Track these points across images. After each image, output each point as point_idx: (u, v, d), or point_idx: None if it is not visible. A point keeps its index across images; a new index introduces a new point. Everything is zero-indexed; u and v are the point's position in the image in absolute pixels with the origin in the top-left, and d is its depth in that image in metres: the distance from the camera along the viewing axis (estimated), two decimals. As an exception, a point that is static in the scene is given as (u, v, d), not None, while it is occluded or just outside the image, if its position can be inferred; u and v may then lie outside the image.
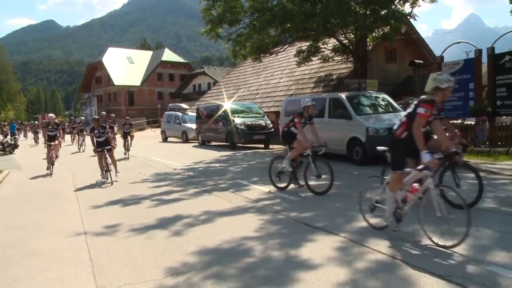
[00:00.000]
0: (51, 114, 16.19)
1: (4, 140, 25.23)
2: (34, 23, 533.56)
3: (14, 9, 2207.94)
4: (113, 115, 26.30)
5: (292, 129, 9.39)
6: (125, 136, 19.05)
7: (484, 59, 15.32)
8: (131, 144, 19.12)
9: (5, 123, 45.54)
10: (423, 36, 27.96)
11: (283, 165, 9.30)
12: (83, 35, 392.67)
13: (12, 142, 24.97)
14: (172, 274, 4.72)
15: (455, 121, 14.86)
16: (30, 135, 42.10)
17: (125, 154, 18.08)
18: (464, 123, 15.25)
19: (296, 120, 9.21)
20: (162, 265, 5.00)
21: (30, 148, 29.01)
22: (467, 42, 19.66)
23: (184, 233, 6.35)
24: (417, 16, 17.73)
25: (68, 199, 9.55)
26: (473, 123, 14.89)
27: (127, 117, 21.13)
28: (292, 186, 9.40)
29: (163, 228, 6.67)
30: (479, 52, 15.22)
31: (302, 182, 9.16)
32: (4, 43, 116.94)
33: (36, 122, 47.79)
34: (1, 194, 10.72)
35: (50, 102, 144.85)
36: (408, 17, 17.88)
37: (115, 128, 22.47)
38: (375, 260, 4.81)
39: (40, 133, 33.07)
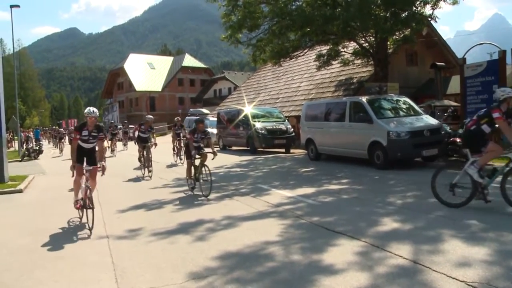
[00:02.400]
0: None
1: (29, 146, 25.74)
2: (58, 31, 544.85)
3: (38, 18, 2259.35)
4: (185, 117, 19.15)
5: (484, 127, 7.11)
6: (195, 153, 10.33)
7: (509, 60, 15.04)
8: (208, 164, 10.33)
9: (31, 129, 46.43)
10: (445, 38, 27.62)
11: (469, 175, 7.13)
12: (105, 42, 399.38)
13: (37, 148, 25.46)
14: (193, 278, 4.75)
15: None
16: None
17: (204, 199, 9.64)
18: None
19: (496, 115, 6.85)
20: (183, 269, 5.04)
21: (56, 160, 24.13)
22: (490, 43, 19.36)
23: (205, 238, 6.39)
24: (438, 18, 17.53)
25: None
26: (497, 125, 14.62)
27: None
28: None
29: (185, 232, 6.72)
30: (503, 53, 14.94)
31: (489, 197, 7.07)
32: (29, 51, 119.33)
33: (72, 127, 37.08)
34: (26, 199, 10.93)
35: (73, 108, 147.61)
36: (429, 19, 17.72)
37: (152, 139, 14.93)
38: (396, 265, 4.76)
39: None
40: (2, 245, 6.53)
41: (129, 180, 13.45)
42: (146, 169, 14.06)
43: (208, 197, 9.58)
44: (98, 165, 7.62)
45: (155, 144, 14.62)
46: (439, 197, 7.56)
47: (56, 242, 6.57)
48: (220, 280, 4.66)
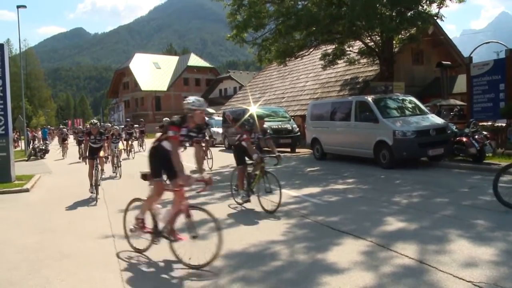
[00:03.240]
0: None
1: (36, 145, 25.82)
2: (64, 31, 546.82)
3: (44, 18, 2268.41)
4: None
5: None
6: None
7: (516, 59, 14.94)
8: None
9: (38, 128, 46.64)
10: (451, 37, 27.46)
11: None
12: (110, 42, 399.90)
13: (43, 147, 25.55)
14: (198, 277, 4.76)
15: (485, 123, 14.55)
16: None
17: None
18: (495, 125, 14.91)
19: None
20: (188, 268, 5.04)
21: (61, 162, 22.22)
22: (497, 42, 19.26)
23: (210, 237, 6.37)
24: (444, 16, 17.51)
25: (97, 203, 9.71)
26: (504, 124, 14.55)
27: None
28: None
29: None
30: (510, 51, 14.85)
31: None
32: (36, 51, 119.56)
33: (80, 127, 38.43)
34: (33, 198, 10.98)
35: (79, 108, 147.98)
36: (435, 18, 17.66)
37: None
38: (402, 265, 4.75)
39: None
40: (9, 243, 6.56)
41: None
42: None
43: (243, 205, 8.48)
44: (204, 178, 5.64)
45: None
46: (502, 199, 6.98)
47: (63, 241, 6.59)
48: (225, 279, 4.66)
